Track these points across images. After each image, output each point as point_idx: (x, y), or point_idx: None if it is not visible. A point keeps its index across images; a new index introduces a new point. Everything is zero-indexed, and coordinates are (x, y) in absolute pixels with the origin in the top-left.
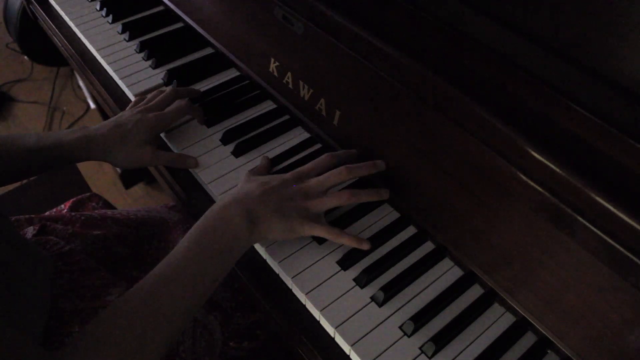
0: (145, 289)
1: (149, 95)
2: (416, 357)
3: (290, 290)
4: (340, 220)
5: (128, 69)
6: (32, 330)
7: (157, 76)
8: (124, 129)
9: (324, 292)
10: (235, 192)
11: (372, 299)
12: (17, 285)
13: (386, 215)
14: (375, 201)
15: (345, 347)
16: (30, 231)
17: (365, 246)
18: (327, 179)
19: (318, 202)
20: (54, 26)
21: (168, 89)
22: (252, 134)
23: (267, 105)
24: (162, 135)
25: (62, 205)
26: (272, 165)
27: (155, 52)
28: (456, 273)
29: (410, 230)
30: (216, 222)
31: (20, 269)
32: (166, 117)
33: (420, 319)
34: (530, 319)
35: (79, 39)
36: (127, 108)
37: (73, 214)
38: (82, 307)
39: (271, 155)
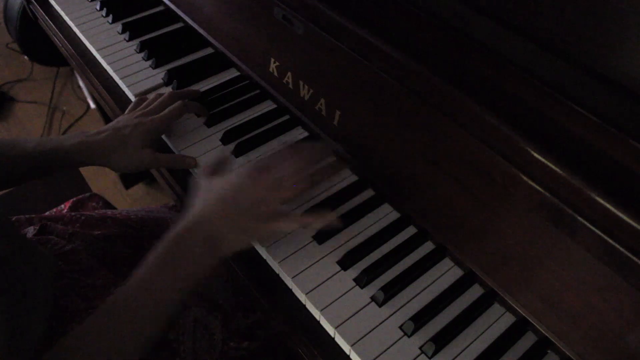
0: (105, 316)
1: (147, 99)
2: (416, 357)
3: (290, 290)
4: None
5: (128, 69)
6: (34, 330)
7: (157, 76)
8: (122, 133)
9: (324, 292)
10: (191, 215)
11: (372, 299)
12: (19, 284)
13: (386, 215)
14: (375, 201)
15: (345, 347)
16: (30, 231)
17: (332, 216)
18: (287, 179)
19: (275, 201)
20: (54, 26)
21: (166, 92)
22: (252, 134)
23: (267, 105)
24: (162, 136)
25: (62, 205)
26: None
27: (155, 52)
28: (456, 273)
29: (410, 230)
30: (176, 253)
31: (21, 269)
32: (163, 121)
33: (420, 319)
34: (530, 319)
35: (79, 39)
36: (126, 111)
37: (73, 214)
38: (84, 307)
39: None
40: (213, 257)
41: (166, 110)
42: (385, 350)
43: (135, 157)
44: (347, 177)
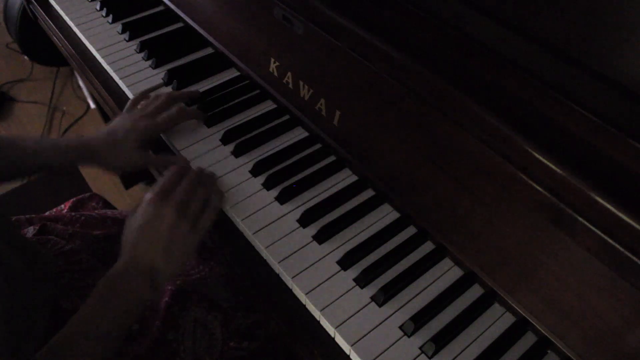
0: (56, 348)
1: (146, 101)
2: (416, 357)
3: (290, 290)
4: (340, 220)
5: (128, 69)
6: (33, 330)
7: (157, 76)
8: (115, 137)
9: (324, 292)
10: (123, 254)
11: (372, 299)
12: (19, 284)
13: (386, 215)
14: (375, 201)
15: (345, 347)
16: (30, 231)
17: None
18: (185, 190)
19: (190, 214)
20: (54, 26)
21: (164, 93)
22: (252, 134)
23: (267, 105)
24: (162, 135)
25: (62, 205)
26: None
27: (155, 52)
28: (456, 273)
29: (410, 230)
30: (115, 296)
31: (20, 269)
32: (157, 127)
33: (420, 319)
34: (530, 319)
35: (79, 39)
36: (124, 110)
37: (73, 214)
38: None
39: (271, 155)
40: (153, 289)
41: (164, 116)
42: (385, 350)
43: (125, 157)
44: (347, 177)
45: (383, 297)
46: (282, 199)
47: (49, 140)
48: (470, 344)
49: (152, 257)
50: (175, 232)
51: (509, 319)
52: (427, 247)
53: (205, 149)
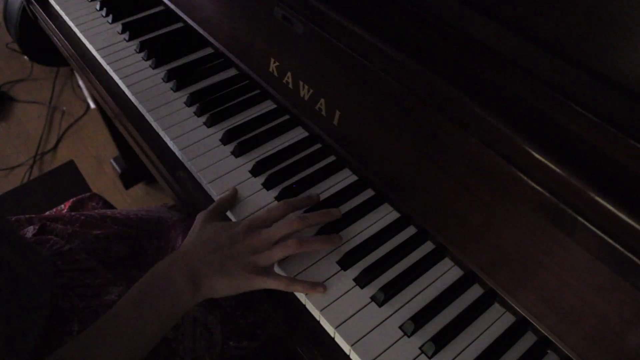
0: (85, 344)
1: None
2: (416, 357)
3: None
4: (340, 221)
5: (128, 69)
6: (31, 330)
7: (157, 76)
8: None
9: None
10: (182, 249)
11: (372, 299)
12: (17, 284)
13: (386, 215)
14: (375, 201)
15: (345, 347)
16: (30, 231)
17: (321, 290)
18: (277, 230)
19: (266, 255)
20: (54, 26)
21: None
22: (252, 133)
23: (267, 105)
24: (162, 135)
25: (62, 205)
26: (230, 203)
27: (155, 52)
28: (456, 273)
29: (410, 230)
30: (158, 285)
31: (19, 269)
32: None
33: (420, 319)
34: (530, 319)
35: (79, 39)
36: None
37: (73, 213)
38: (82, 306)
39: (271, 155)
40: (193, 295)
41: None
42: (385, 350)
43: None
44: (347, 177)
45: (383, 297)
46: (282, 199)
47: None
48: (470, 344)
49: (205, 263)
50: (244, 257)
51: (509, 319)
52: (427, 247)
53: (205, 149)
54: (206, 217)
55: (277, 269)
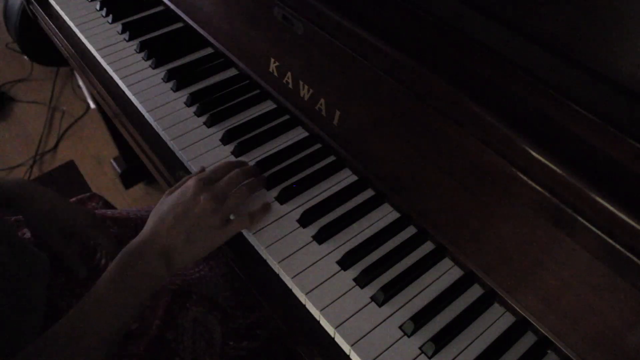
0: (68, 325)
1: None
2: (416, 357)
3: (290, 290)
4: (340, 220)
5: (128, 69)
6: (27, 329)
7: (157, 76)
8: (55, 210)
9: (324, 292)
10: (146, 228)
11: (372, 299)
12: (13, 284)
13: (386, 215)
14: (375, 201)
15: (345, 347)
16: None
17: (268, 208)
18: (228, 182)
19: (224, 210)
20: (54, 26)
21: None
22: (252, 133)
23: (267, 105)
24: (162, 134)
25: None
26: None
27: (155, 52)
28: (456, 273)
29: (410, 230)
30: (133, 267)
31: (15, 269)
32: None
33: (420, 319)
34: (530, 319)
35: (79, 39)
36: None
37: None
38: None
39: (271, 155)
40: (168, 269)
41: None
42: (385, 350)
43: (50, 235)
44: (347, 177)
45: (383, 297)
46: (282, 198)
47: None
48: (470, 344)
49: (173, 237)
50: (205, 220)
51: (509, 319)
52: (427, 247)
53: (205, 149)
54: (164, 197)
55: (277, 266)
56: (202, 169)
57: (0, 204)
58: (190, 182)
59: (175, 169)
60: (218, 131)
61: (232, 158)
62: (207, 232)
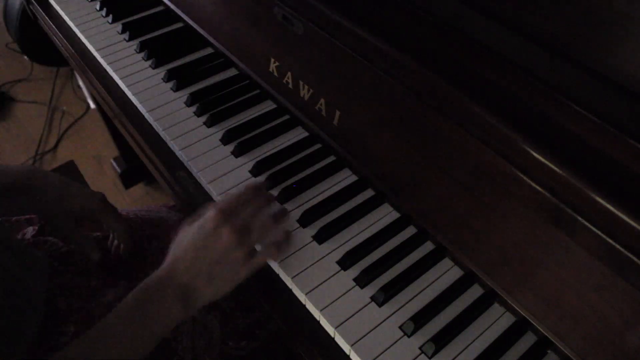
0: (75, 353)
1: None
2: (416, 357)
3: (290, 290)
4: (340, 220)
5: (128, 69)
6: (26, 329)
7: (157, 76)
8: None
9: (324, 292)
10: (167, 264)
11: (372, 299)
12: (12, 284)
13: (386, 215)
14: (375, 201)
15: (345, 347)
16: (30, 231)
17: (290, 236)
18: (251, 214)
19: (248, 244)
20: (54, 26)
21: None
22: (252, 133)
23: (267, 105)
24: (162, 135)
25: None
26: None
27: (155, 52)
28: (456, 273)
29: (410, 230)
30: (149, 303)
31: (14, 269)
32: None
33: (420, 319)
34: (530, 319)
35: (79, 39)
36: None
37: None
38: (78, 307)
39: (271, 155)
40: (185, 310)
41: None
42: (385, 350)
43: (58, 221)
44: (347, 177)
45: (383, 297)
46: (282, 199)
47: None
48: (470, 344)
49: (193, 275)
50: (228, 257)
51: (509, 319)
52: (427, 247)
53: (205, 149)
54: (185, 226)
55: (277, 266)
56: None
57: (10, 191)
58: (211, 214)
59: (175, 169)
60: (218, 131)
61: (232, 158)
62: (231, 268)
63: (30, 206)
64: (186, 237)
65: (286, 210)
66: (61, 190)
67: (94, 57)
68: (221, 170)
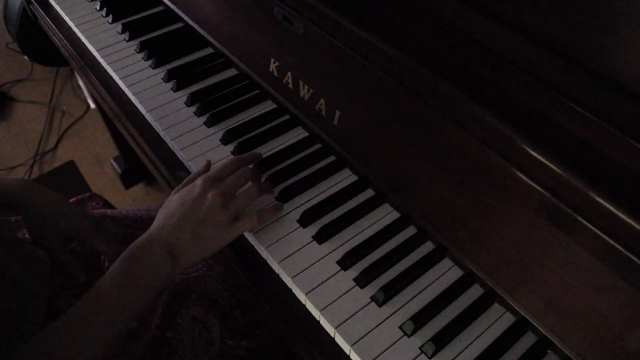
0: (69, 321)
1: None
2: (416, 357)
3: (290, 290)
4: (340, 220)
5: (128, 69)
6: (27, 328)
7: (157, 76)
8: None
9: (324, 292)
10: (153, 226)
11: (372, 299)
12: (12, 285)
13: (386, 215)
14: (375, 201)
15: (345, 347)
16: None
17: (280, 206)
18: (235, 180)
19: (232, 207)
20: (54, 26)
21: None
22: (252, 133)
23: (267, 105)
24: (162, 134)
25: None
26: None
27: (155, 52)
28: (456, 273)
29: (410, 230)
30: (138, 264)
31: (15, 269)
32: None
33: (420, 319)
34: (530, 319)
35: (79, 39)
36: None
37: None
38: None
39: (271, 155)
40: (172, 267)
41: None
42: (385, 350)
43: (50, 239)
44: (347, 177)
45: (383, 297)
46: (282, 198)
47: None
48: (470, 344)
49: (179, 234)
50: (213, 217)
51: (509, 319)
52: (427, 247)
53: (205, 149)
54: (171, 195)
55: (277, 266)
56: (208, 165)
57: (1, 204)
58: (198, 181)
59: (175, 169)
60: (218, 131)
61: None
62: (215, 228)
63: (23, 219)
64: (173, 201)
65: (270, 185)
66: (51, 208)
67: (94, 57)
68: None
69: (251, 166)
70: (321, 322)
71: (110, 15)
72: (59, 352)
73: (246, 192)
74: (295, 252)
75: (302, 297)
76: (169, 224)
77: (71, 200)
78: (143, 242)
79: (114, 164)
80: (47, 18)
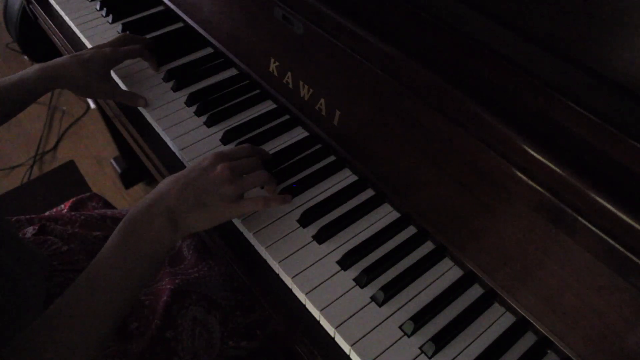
0: (74, 296)
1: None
2: (416, 357)
3: (290, 290)
4: (340, 220)
5: (127, 68)
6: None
7: (157, 76)
8: (82, 58)
9: (324, 292)
10: (156, 190)
11: (372, 298)
12: (11, 285)
13: (386, 215)
14: (375, 201)
15: (345, 347)
16: (30, 231)
17: (289, 199)
18: (247, 163)
19: (239, 184)
20: (54, 26)
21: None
22: (252, 133)
23: (267, 105)
24: (162, 134)
25: (62, 205)
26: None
27: (155, 52)
28: (456, 273)
29: (410, 230)
30: (137, 226)
31: (14, 269)
32: (119, 52)
33: (420, 319)
34: (530, 319)
35: (79, 39)
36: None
37: (73, 214)
38: None
39: (271, 155)
40: (173, 232)
41: (126, 47)
42: (385, 350)
43: (95, 86)
44: (347, 177)
45: (383, 297)
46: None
47: (13, 76)
48: (470, 344)
49: (182, 199)
50: (218, 187)
51: (509, 319)
52: (427, 247)
53: (205, 149)
54: None
55: (277, 266)
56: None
57: (34, 95)
58: (209, 154)
59: (175, 169)
60: (218, 131)
61: None
62: (219, 200)
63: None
64: (179, 173)
65: (276, 183)
66: (75, 71)
67: None
68: None
69: None
70: (321, 322)
71: (110, 15)
72: (60, 331)
73: (255, 174)
74: (295, 252)
75: (302, 297)
76: (173, 189)
77: (71, 200)
78: (143, 205)
79: (114, 164)
80: (47, 18)
